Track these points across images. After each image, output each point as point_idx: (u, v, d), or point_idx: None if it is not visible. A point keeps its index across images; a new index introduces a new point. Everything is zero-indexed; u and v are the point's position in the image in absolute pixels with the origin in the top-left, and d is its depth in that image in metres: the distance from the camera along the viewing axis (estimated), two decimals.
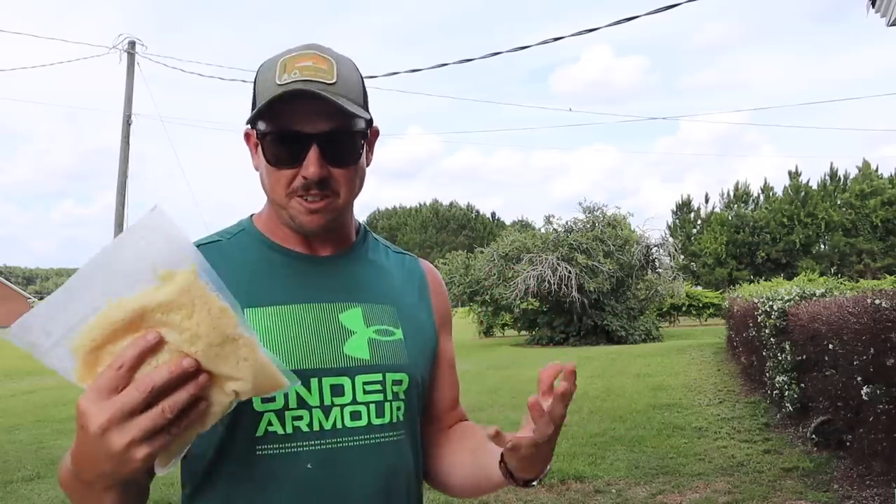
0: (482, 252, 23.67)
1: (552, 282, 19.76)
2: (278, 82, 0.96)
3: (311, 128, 0.96)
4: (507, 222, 62.96)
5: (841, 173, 45.36)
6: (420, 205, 74.63)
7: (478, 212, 74.25)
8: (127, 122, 10.63)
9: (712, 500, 4.66)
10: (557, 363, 0.86)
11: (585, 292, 20.15)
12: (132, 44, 10.90)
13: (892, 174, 43.71)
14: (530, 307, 22.14)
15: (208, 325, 0.72)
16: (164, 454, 0.76)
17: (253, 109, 1.01)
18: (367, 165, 1.07)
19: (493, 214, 75.37)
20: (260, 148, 1.01)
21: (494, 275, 21.78)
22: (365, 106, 1.02)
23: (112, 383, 0.70)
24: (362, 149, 1.03)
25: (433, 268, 1.22)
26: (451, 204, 74.12)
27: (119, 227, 10.37)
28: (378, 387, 1.01)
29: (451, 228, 69.26)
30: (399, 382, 1.03)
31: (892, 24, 4.18)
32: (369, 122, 1.03)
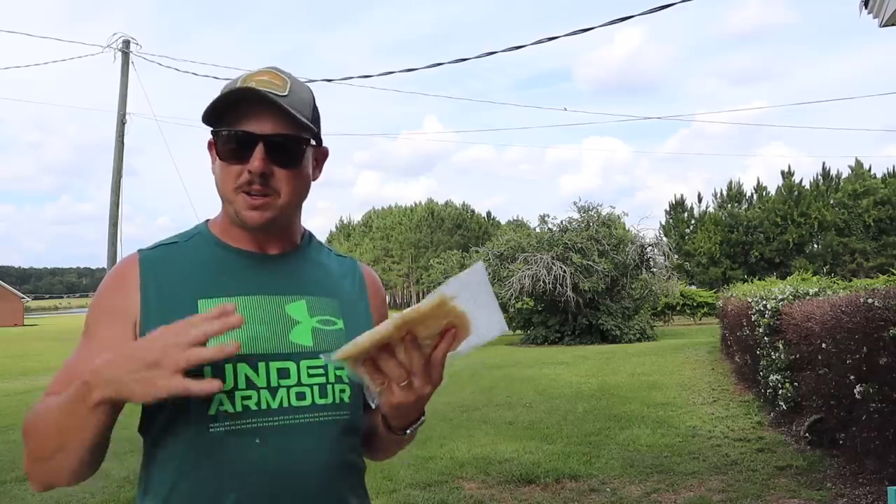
0: (477, 251, 23.69)
1: (547, 281, 19.79)
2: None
3: (259, 129, 1.08)
4: (503, 222, 62.91)
5: (833, 173, 45.53)
6: (415, 204, 74.51)
7: (473, 211, 74.17)
8: (121, 121, 10.58)
9: (706, 498, 4.68)
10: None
11: (580, 291, 20.19)
12: (126, 43, 10.85)
13: (885, 174, 43.92)
14: (525, 306, 22.15)
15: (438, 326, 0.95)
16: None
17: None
18: (315, 179, 1.20)
19: (489, 214, 75.37)
20: (215, 147, 1.13)
21: (489, 274, 21.74)
22: (313, 122, 1.15)
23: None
24: (304, 155, 1.14)
25: (372, 271, 1.34)
26: (446, 203, 74.03)
27: (113, 225, 10.29)
28: (321, 370, 1.11)
29: (447, 228, 69.15)
30: (341, 367, 1.09)
31: (884, 25, 4.20)
32: (316, 137, 1.16)
